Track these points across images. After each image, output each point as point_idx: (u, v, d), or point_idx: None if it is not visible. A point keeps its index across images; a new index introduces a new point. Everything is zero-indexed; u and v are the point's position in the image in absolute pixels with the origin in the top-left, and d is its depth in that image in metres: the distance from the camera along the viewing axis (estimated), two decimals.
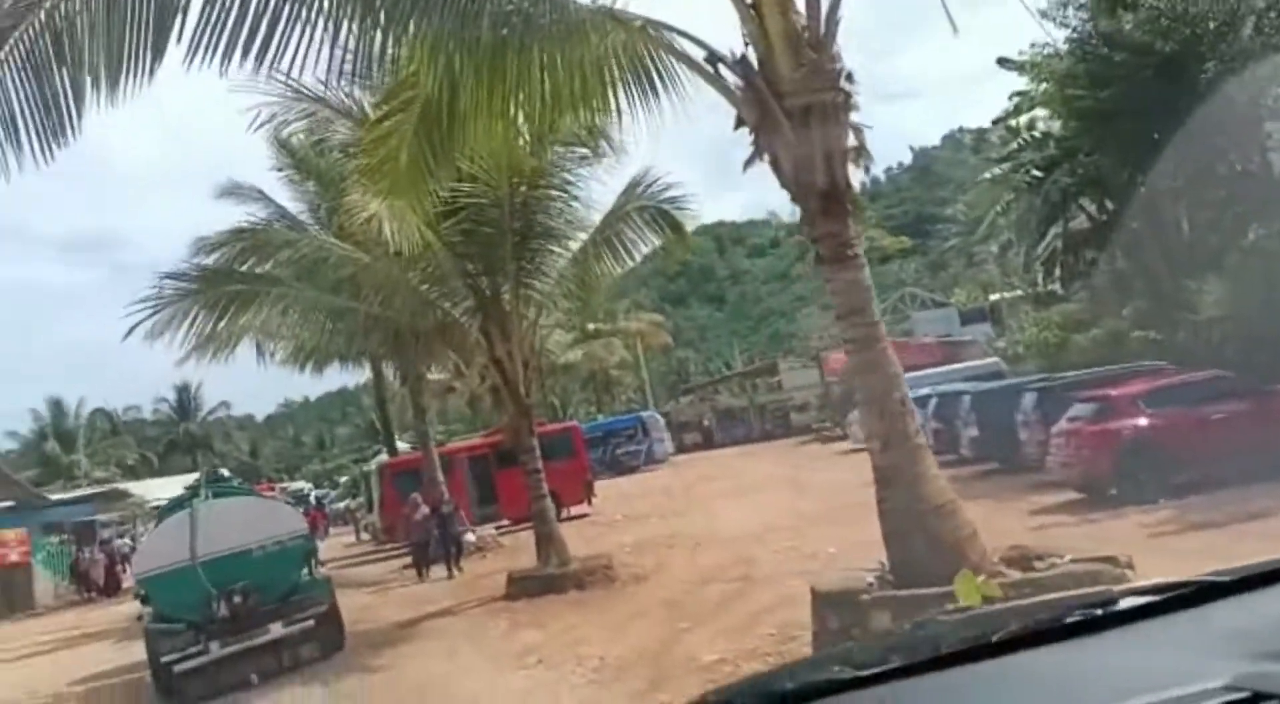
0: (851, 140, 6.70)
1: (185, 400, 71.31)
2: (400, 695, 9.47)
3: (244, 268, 14.15)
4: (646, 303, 69.26)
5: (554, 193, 15.27)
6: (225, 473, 19.36)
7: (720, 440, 53.27)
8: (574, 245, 15.94)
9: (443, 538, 18.13)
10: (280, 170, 20.97)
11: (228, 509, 12.20)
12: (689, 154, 40.23)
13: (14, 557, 26.42)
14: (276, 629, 11.21)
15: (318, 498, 46.52)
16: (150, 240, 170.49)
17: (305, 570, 12.63)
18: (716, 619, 10.08)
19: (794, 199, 6.77)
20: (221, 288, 13.22)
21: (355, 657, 11.89)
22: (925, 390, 22.03)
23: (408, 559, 22.25)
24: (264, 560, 11.61)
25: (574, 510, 25.10)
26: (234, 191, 21.01)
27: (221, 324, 13.35)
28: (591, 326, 54.42)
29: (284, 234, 15.95)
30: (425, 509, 18.59)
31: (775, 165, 6.74)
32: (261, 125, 13.74)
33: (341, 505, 46.46)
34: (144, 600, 12.12)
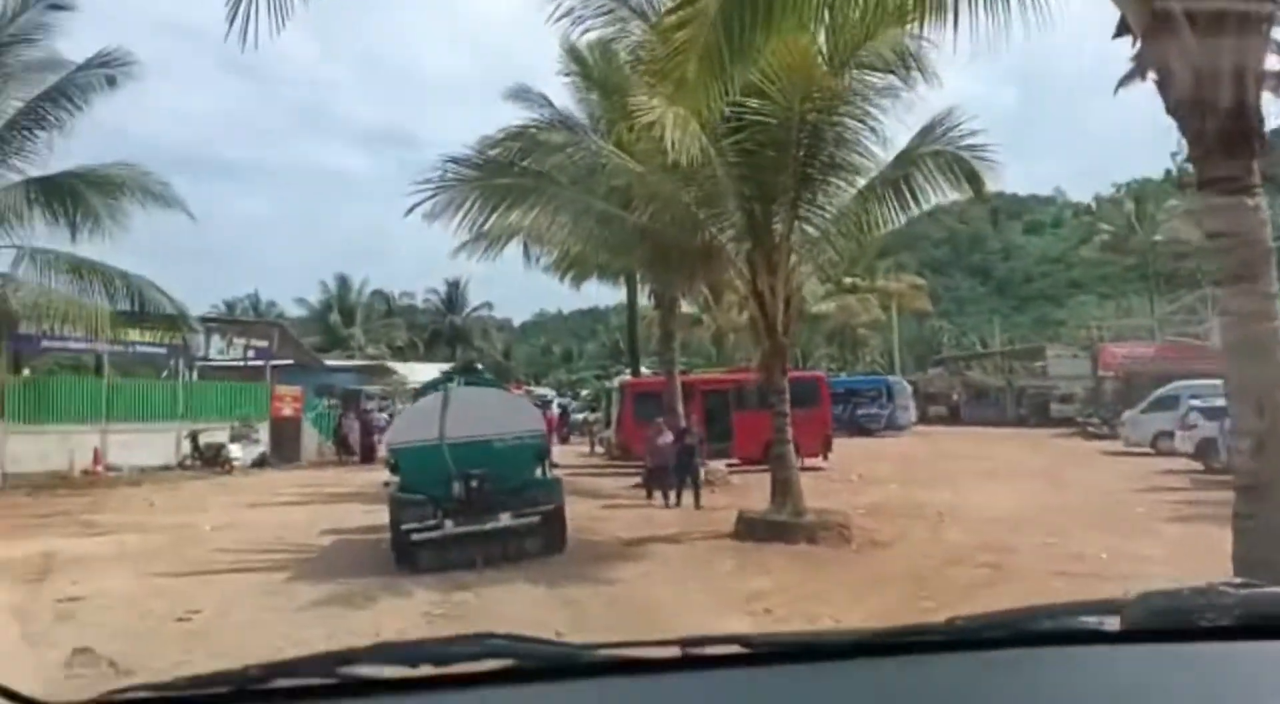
0: (1274, 62, 5.26)
1: (453, 295, 75.74)
2: (623, 613, 9.13)
3: (523, 164, 14.06)
4: (909, 264, 66.24)
5: (849, 121, 14.16)
6: (479, 366, 20.05)
7: (968, 418, 50.67)
8: (860, 182, 14.80)
9: (680, 466, 17.67)
10: (567, 76, 20.97)
11: (477, 398, 12.69)
12: (984, 111, 37.30)
13: (288, 411, 28.93)
14: (505, 519, 11.53)
15: (561, 405, 48.12)
16: (438, 139, 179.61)
17: (538, 469, 12.90)
18: (966, 603, 9.00)
19: (1183, 129, 5.46)
20: (499, 179, 13.19)
21: (576, 564, 11.78)
22: None
23: (637, 479, 22.42)
24: (502, 451, 11.97)
25: (808, 462, 24.26)
26: (520, 96, 21.32)
27: (495, 215, 13.37)
28: (848, 280, 52.75)
29: (563, 137, 15.75)
30: (669, 435, 18.28)
31: (1163, 83, 5.44)
32: (559, 19, 13.46)
33: (580, 417, 48.03)
34: (393, 469, 12.63)
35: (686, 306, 45.91)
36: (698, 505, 17.16)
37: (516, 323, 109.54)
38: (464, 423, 11.84)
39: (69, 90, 19.97)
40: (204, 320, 25.13)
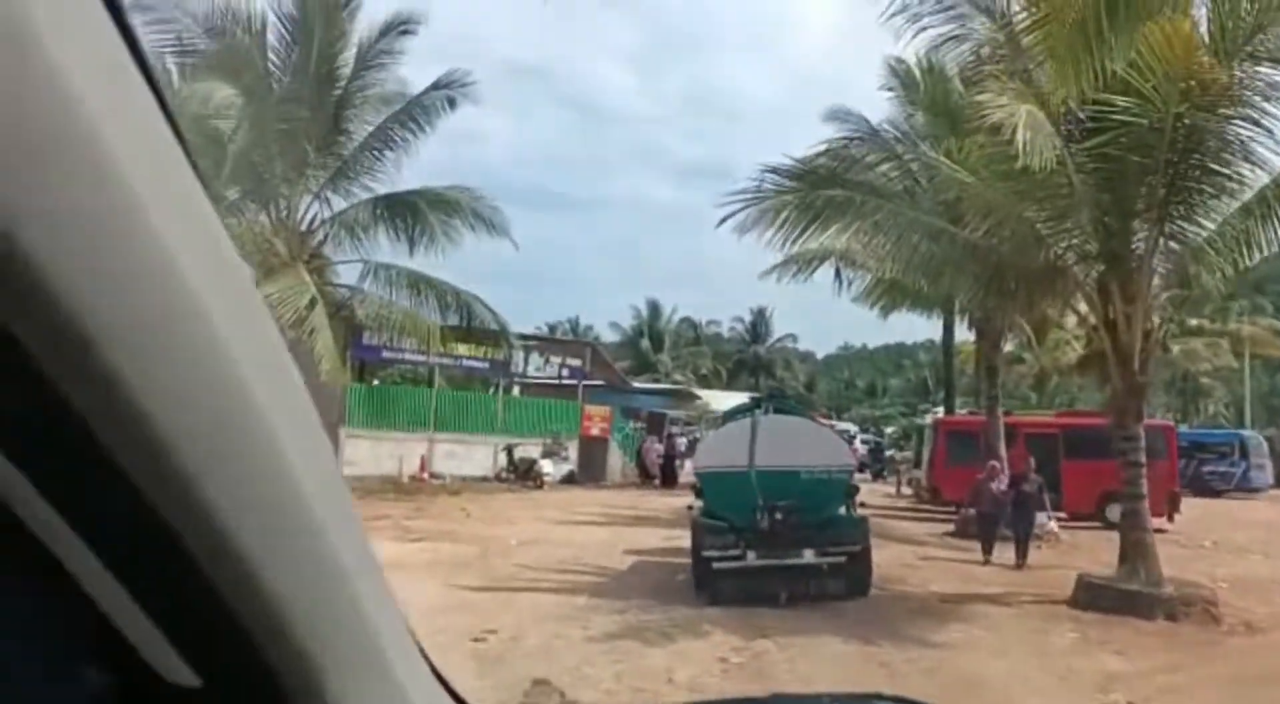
0: None
1: (758, 324, 76.19)
2: (946, 687, 7.83)
3: (845, 175, 13.05)
4: (1265, 307, 57.72)
5: (1236, 123, 11.89)
6: (785, 393, 19.32)
7: None
8: (1246, 196, 12.41)
9: (1016, 517, 15.55)
10: (889, 90, 19.80)
11: (785, 427, 12.23)
12: None
13: (596, 430, 29.62)
14: (809, 555, 11.03)
15: (875, 441, 46.18)
16: (753, 170, 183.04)
17: (844, 506, 12.28)
18: None
19: None
20: (818, 190, 12.29)
21: (888, 619, 10.63)
22: None
23: (949, 526, 20.53)
24: (810, 484, 11.40)
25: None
26: (839, 117, 20.48)
27: (809, 230, 12.51)
28: (1194, 321, 46.76)
29: (887, 148, 14.60)
30: (1003, 480, 16.29)
31: None
32: (893, 16, 12.36)
33: (888, 454, 45.89)
34: (698, 493, 12.41)
35: (1007, 345, 42.95)
36: (1020, 562, 15.12)
37: (820, 356, 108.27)
38: (772, 451, 11.40)
39: (415, 112, 21.57)
40: (522, 337, 26.28)
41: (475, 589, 11.33)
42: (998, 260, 12.55)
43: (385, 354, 24.81)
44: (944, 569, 14.66)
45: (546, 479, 26.50)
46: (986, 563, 15.20)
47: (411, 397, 27.04)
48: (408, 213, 21.04)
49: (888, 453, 46.32)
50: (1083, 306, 13.22)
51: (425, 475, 24.76)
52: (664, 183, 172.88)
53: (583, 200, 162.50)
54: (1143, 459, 12.05)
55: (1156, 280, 12.47)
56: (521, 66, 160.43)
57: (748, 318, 75.36)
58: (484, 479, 26.19)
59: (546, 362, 28.94)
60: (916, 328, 66.79)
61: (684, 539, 11.79)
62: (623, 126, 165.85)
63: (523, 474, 26.11)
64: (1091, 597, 11.85)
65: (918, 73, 18.93)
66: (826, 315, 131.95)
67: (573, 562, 13.92)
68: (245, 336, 0.59)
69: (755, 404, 14.02)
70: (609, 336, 69.88)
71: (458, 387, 30.34)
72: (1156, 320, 12.57)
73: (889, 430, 61.51)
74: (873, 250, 14.68)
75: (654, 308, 70.36)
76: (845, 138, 14.69)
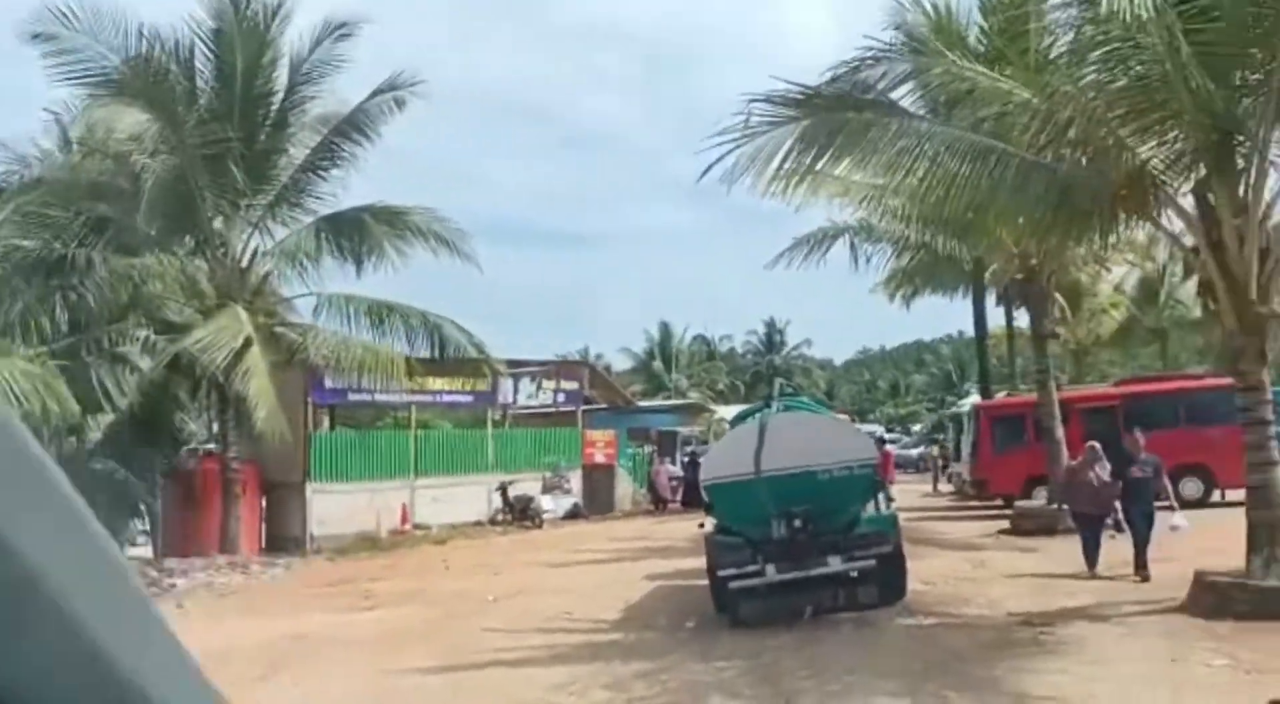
0: None
1: (772, 335, 74.11)
2: None
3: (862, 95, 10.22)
4: None
5: None
6: (797, 386, 16.79)
7: None
8: None
9: (1132, 511, 11.52)
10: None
11: (797, 424, 11.11)
12: None
13: (601, 457, 26.87)
14: (835, 562, 9.91)
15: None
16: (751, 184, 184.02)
17: (871, 504, 11.15)
18: None
19: None
20: (826, 113, 9.63)
21: (949, 654, 8.17)
22: None
23: (1001, 522, 17.82)
24: (829, 485, 10.22)
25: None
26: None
27: (820, 164, 9.94)
28: None
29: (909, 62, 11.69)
30: (1102, 466, 12.25)
31: None
32: None
33: (915, 452, 43.10)
34: (708, 509, 11.45)
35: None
36: (1141, 572, 11.20)
37: (838, 362, 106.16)
38: (783, 453, 10.16)
39: (360, 122, 19.27)
40: (510, 364, 23.69)
41: (419, 671, 8.72)
42: (1065, 176, 9.83)
43: (352, 397, 22.23)
44: (1011, 577, 11.93)
45: (547, 516, 23.83)
46: (1093, 576, 11.65)
47: (386, 441, 24.18)
48: (355, 233, 18.62)
49: (915, 450, 43.76)
50: (1177, 224, 10.44)
51: (406, 526, 22.09)
52: (673, 205, 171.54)
53: (591, 235, 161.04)
54: (1271, 414, 9.31)
55: (1275, 182, 9.72)
56: (520, 107, 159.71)
57: (761, 330, 73.50)
58: (476, 524, 23.49)
59: (539, 388, 26.18)
60: (937, 321, 64.39)
61: (700, 563, 10.75)
62: (625, 155, 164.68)
63: (519, 514, 23.40)
64: (1219, 600, 9.17)
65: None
66: (842, 321, 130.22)
67: (559, 616, 11.31)
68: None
69: (765, 403, 12.64)
70: (620, 364, 68.24)
71: (439, 426, 27.68)
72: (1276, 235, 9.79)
73: (916, 428, 58.96)
74: (899, 189, 11.80)
75: (665, 328, 68.60)
76: (855, 59, 11.80)
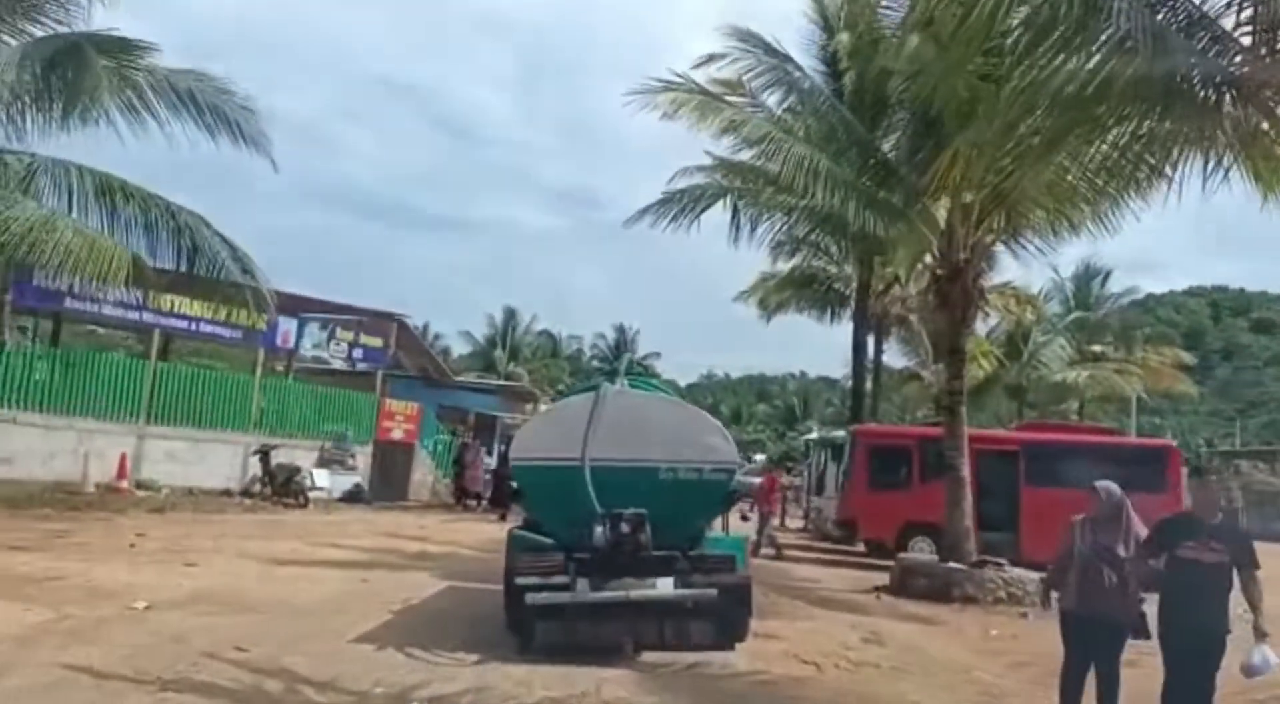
0: None
1: (622, 342, 71.04)
2: None
3: None
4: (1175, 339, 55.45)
5: None
6: (646, 366, 12.98)
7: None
8: None
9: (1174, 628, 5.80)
10: None
11: (643, 407, 8.77)
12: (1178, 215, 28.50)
13: (399, 433, 22.13)
14: (665, 586, 7.77)
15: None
16: (618, 202, 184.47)
17: (719, 518, 10.08)
18: None
19: None
20: None
21: None
22: None
23: (878, 576, 14.37)
24: (672, 488, 8.10)
25: None
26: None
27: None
28: (1096, 347, 43.23)
29: None
30: (1131, 528, 6.29)
31: None
32: None
33: (758, 481, 40.05)
34: (515, 495, 9.95)
35: (899, 360, 37.83)
36: None
37: (683, 384, 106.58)
38: (619, 439, 8.15)
39: None
40: (296, 299, 18.74)
41: None
42: None
43: (72, 303, 16.86)
44: (925, 670, 8.16)
45: (318, 494, 19.02)
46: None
47: (109, 368, 18.25)
48: (71, 69, 13.30)
49: (760, 479, 40.97)
50: None
51: (124, 483, 16.84)
52: (534, 207, 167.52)
53: (452, 220, 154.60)
54: None
55: None
56: (395, 84, 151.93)
57: (611, 336, 70.43)
58: (223, 493, 18.48)
59: (331, 337, 21.16)
60: (785, 355, 63.52)
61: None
62: (495, 149, 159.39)
63: (280, 488, 18.51)
64: None
65: None
66: (690, 343, 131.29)
67: (223, 652, 6.83)
68: None
69: (608, 375, 10.45)
70: (460, 347, 63.98)
71: (195, 362, 22.22)
72: None
73: (758, 457, 56.76)
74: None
75: (510, 314, 64.61)
76: None
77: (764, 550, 17.33)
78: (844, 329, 32.53)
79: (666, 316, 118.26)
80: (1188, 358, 51.00)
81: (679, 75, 13.24)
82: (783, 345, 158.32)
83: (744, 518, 16.95)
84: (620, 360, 11.54)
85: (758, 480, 40.38)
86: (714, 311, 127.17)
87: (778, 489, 19.14)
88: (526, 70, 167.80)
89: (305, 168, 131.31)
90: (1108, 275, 45.85)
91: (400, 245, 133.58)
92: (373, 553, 13.14)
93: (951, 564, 12.73)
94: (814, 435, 25.49)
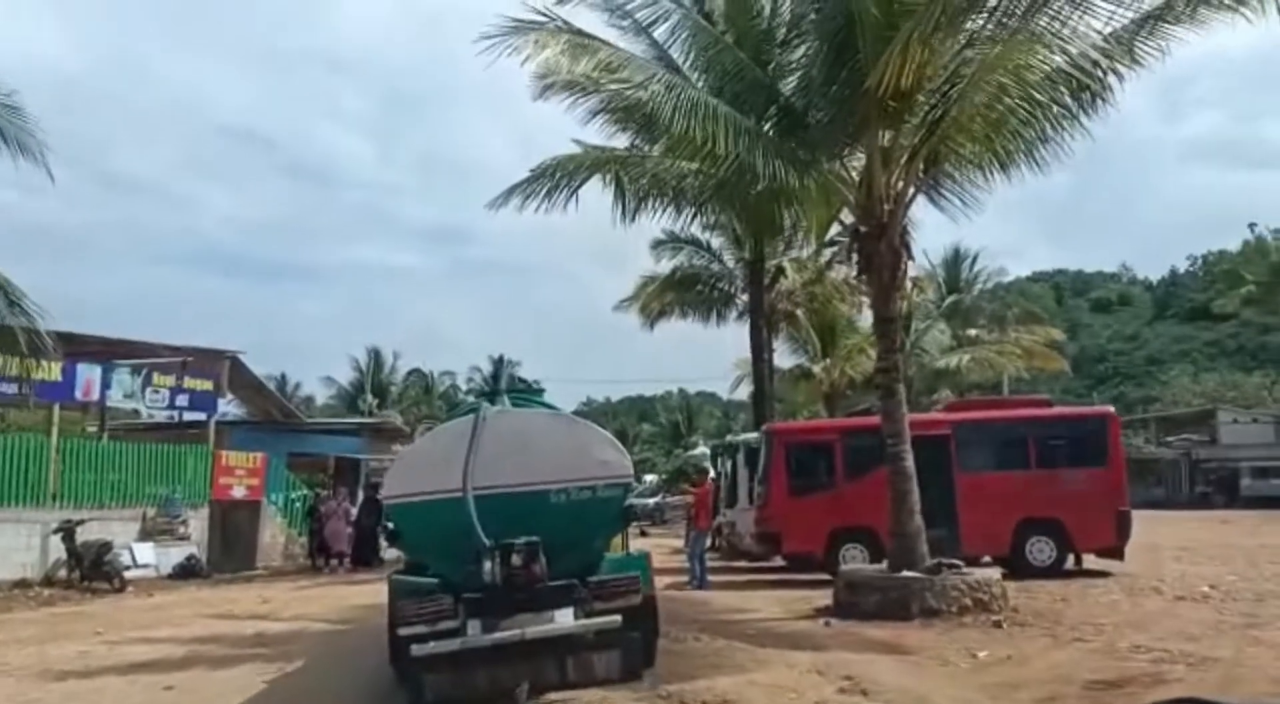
0: None
1: (498, 373, 68.45)
2: None
3: None
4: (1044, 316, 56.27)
5: None
6: (534, 381, 10.74)
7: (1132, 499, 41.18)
8: None
9: None
10: None
11: (526, 426, 7.88)
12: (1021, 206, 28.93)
13: (239, 490, 18.94)
14: (565, 618, 7.13)
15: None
16: (491, 240, 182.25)
17: (618, 537, 9.23)
18: None
19: None
20: None
21: None
22: None
23: (814, 593, 12.42)
24: (565, 510, 7.36)
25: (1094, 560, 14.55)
26: None
27: None
28: (971, 331, 43.06)
29: None
30: None
31: None
32: None
33: (653, 502, 37.99)
34: (392, 538, 8.60)
35: (791, 359, 36.55)
36: None
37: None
38: (504, 466, 7.30)
39: None
40: (102, 342, 15.52)
41: None
42: None
43: None
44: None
45: (139, 573, 15.80)
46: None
47: None
48: None
49: (654, 498, 39.24)
50: None
51: None
52: (402, 249, 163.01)
53: (313, 267, 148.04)
54: None
55: None
56: (242, 132, 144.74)
57: (487, 367, 67.85)
58: (20, 584, 15.10)
59: (146, 384, 17.85)
60: (660, 372, 62.65)
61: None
62: (356, 192, 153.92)
63: (89, 569, 15.23)
64: None
65: None
66: (570, 374, 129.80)
67: None
68: None
69: (488, 396, 9.21)
70: (323, 395, 60.38)
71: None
72: None
73: (648, 478, 54.80)
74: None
75: (375, 356, 61.25)
76: None
77: (690, 582, 15.16)
78: (729, 332, 31.15)
79: (545, 347, 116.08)
80: (1059, 334, 51.84)
81: (542, 12, 10.98)
82: (661, 364, 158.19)
83: (643, 533, 14.84)
84: (500, 378, 9.95)
85: (652, 502, 38.65)
86: (592, 335, 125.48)
87: (708, 499, 16.85)
88: (383, 109, 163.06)
89: (159, 226, 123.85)
90: (975, 258, 45.95)
91: (257, 297, 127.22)
92: (193, 644, 10.26)
93: (905, 573, 10.77)
94: (701, 449, 23.51)
